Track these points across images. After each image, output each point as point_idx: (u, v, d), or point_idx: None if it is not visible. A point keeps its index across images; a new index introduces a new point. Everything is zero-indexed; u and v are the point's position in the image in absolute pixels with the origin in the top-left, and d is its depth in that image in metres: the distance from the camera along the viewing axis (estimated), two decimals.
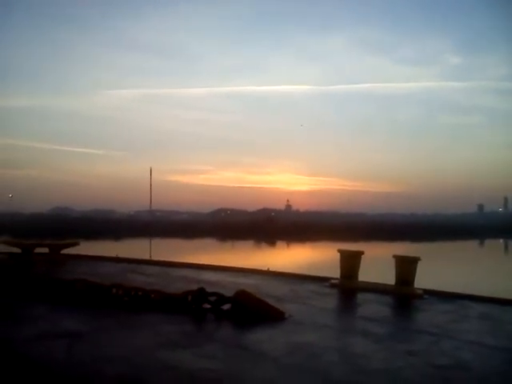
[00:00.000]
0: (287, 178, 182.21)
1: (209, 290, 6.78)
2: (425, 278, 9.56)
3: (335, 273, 9.65)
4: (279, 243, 52.82)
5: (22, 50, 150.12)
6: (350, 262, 9.41)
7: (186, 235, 51.92)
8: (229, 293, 6.71)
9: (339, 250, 9.56)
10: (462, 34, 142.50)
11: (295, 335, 5.59)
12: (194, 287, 6.91)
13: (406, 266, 9.01)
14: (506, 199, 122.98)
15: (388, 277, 9.30)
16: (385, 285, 9.28)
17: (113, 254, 13.53)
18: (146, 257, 16.37)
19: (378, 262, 14.15)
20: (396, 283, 9.02)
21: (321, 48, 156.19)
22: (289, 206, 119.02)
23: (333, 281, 9.58)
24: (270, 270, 11.10)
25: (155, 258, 15.36)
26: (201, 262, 12.38)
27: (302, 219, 75.90)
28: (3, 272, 8.35)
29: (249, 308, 6.41)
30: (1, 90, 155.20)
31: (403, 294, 8.76)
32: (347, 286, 9.20)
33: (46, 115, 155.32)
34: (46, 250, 12.64)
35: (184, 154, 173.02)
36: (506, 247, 53.76)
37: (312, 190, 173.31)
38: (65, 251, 12.91)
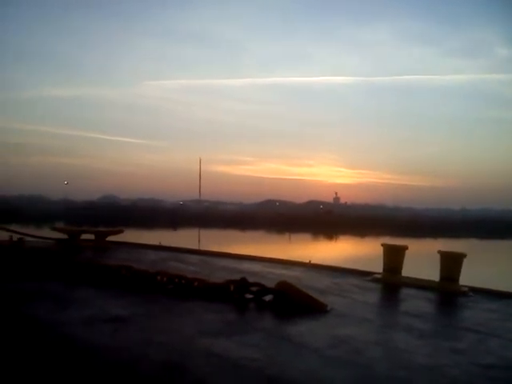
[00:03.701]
0: (329, 171, 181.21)
1: (250, 280, 6.82)
2: (471, 276, 9.34)
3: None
4: (337, 236, 52.49)
5: (70, 40, 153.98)
6: (394, 256, 9.28)
7: (238, 226, 52.11)
8: (270, 284, 6.73)
9: (383, 244, 9.44)
10: (511, 25, 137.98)
11: (337, 328, 5.56)
12: (236, 277, 6.96)
13: (451, 262, 8.82)
14: None
15: (432, 273, 9.13)
16: (429, 281, 9.11)
17: (157, 242, 13.75)
18: (193, 246, 16.54)
19: (423, 258, 13.92)
20: (440, 279, 8.85)
21: (366, 38, 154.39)
22: (337, 199, 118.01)
23: (376, 275, 9.47)
24: (312, 262, 11.06)
25: (204, 248, 15.51)
26: (243, 253, 12.45)
27: (355, 212, 75.13)
28: (50, 257, 8.59)
29: (290, 299, 6.41)
30: (52, 81, 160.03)
31: (447, 291, 8.59)
32: (390, 281, 9.09)
33: (93, 105, 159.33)
34: (91, 236, 12.97)
35: (226, 144, 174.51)
36: None
37: (356, 182, 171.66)
38: (110, 238, 13.21)
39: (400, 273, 9.26)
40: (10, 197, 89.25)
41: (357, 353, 4.64)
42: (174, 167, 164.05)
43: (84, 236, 12.88)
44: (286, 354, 4.46)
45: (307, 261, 11.14)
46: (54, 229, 14.16)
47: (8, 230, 12.95)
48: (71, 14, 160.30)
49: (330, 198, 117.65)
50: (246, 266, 10.20)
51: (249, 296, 6.69)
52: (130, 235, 15.10)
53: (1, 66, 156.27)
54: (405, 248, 9.36)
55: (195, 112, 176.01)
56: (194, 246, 17.53)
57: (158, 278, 7.25)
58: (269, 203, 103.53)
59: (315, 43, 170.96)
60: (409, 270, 9.48)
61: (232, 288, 6.75)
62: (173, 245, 13.85)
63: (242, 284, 6.71)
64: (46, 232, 15.17)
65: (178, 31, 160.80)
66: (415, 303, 7.62)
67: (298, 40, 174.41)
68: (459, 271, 8.79)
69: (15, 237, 12.03)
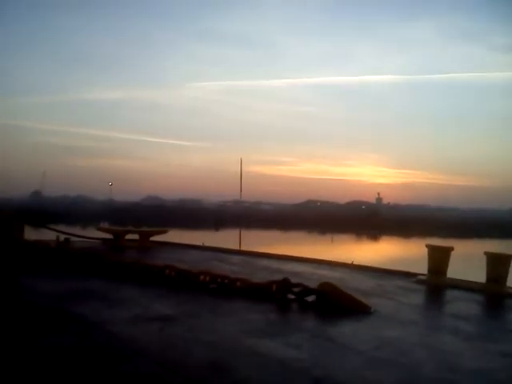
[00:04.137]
0: (371, 171, 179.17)
1: (293, 280, 6.82)
2: None
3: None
4: (380, 237, 51.85)
5: (116, 43, 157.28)
6: (439, 257, 9.11)
7: (279, 227, 52.05)
8: (312, 284, 6.71)
9: (427, 245, 9.28)
10: None
11: (381, 330, 5.50)
12: (278, 277, 6.98)
13: (498, 264, 8.59)
14: None
15: (479, 275, 8.92)
16: (475, 282, 8.90)
17: (199, 243, 13.90)
18: (234, 246, 16.65)
19: (469, 259, 13.60)
20: (487, 281, 8.63)
21: (409, 36, 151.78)
22: (379, 199, 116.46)
23: (420, 277, 9.32)
24: (355, 263, 10.96)
25: (246, 248, 15.58)
26: (285, 253, 12.44)
27: (398, 213, 73.93)
28: (96, 257, 8.80)
29: (334, 300, 6.38)
30: (98, 84, 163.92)
31: (494, 293, 8.37)
32: (435, 283, 8.92)
33: (137, 107, 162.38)
34: (136, 236, 13.22)
35: (266, 145, 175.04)
36: None
37: (398, 182, 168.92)
38: (153, 238, 13.43)
39: (445, 274, 9.08)
40: (56, 198, 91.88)
41: (402, 355, 4.59)
42: (216, 168, 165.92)
43: (128, 236, 13.13)
44: (331, 355, 4.45)
45: (350, 262, 11.05)
46: (99, 229, 14.50)
47: (55, 231, 13.33)
48: (117, 16, 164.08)
49: (372, 199, 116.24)
50: (288, 266, 10.19)
51: (291, 296, 6.70)
52: (173, 235, 15.31)
53: (52, 70, 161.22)
54: (450, 249, 9.17)
55: (236, 113, 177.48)
56: (236, 247, 17.65)
57: (201, 277, 7.34)
58: (309, 204, 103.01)
59: (356, 42, 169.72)
60: (454, 271, 9.29)
61: (274, 288, 6.76)
62: (215, 245, 13.97)
63: (285, 284, 6.72)
64: (92, 232, 15.55)
65: (219, 33, 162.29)
66: (461, 305, 7.47)
67: (338, 39, 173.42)
68: (507, 273, 8.56)
69: (62, 237, 12.39)
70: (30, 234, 12.70)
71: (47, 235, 13.12)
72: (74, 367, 3.72)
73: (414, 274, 9.61)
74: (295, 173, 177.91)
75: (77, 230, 17.42)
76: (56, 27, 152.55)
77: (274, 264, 10.44)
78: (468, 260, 13.32)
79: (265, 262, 10.70)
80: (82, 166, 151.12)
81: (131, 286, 7.27)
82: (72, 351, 4.10)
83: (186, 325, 5.18)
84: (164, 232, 13.98)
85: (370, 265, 11.04)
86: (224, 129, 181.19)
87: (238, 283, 7.02)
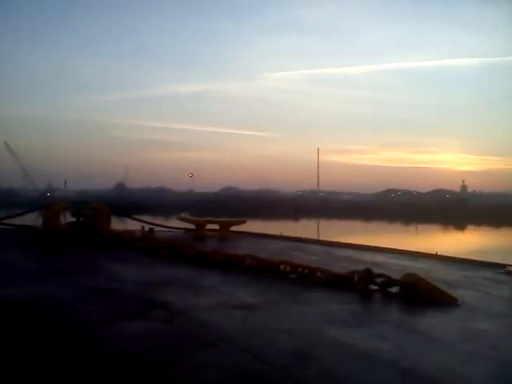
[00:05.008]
0: (454, 158, 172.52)
1: (374, 271, 6.69)
2: None
3: None
4: (469, 227, 49.97)
5: (191, 37, 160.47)
6: None
7: (359, 216, 51.41)
8: (395, 275, 6.55)
9: None
10: None
11: (470, 322, 5.28)
12: (358, 267, 6.87)
13: None
14: None
15: None
16: None
17: (277, 232, 13.97)
18: (312, 236, 16.63)
19: None
20: None
21: (491, 17, 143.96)
22: (464, 187, 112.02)
23: (510, 268, 8.87)
24: (439, 254, 10.61)
25: (325, 238, 15.52)
26: (365, 243, 12.25)
27: (485, 201, 70.68)
28: (178, 246, 9.05)
29: (419, 292, 6.19)
30: (175, 78, 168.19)
31: None
32: None
33: (214, 100, 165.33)
34: (216, 226, 13.49)
35: (343, 133, 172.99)
36: None
37: (484, 169, 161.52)
38: (233, 228, 13.65)
39: None
40: (139, 189, 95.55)
41: (494, 348, 4.38)
42: (292, 158, 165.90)
43: (209, 226, 13.43)
44: (418, 347, 4.32)
45: (434, 252, 10.70)
46: (180, 219, 14.94)
47: (139, 221, 13.88)
48: (192, 11, 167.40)
49: (456, 187, 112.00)
50: (369, 256, 10.02)
51: (373, 287, 6.58)
52: (252, 225, 15.51)
53: (129, 65, 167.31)
54: None
55: (312, 101, 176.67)
56: (314, 236, 17.58)
57: (282, 267, 7.36)
58: (390, 193, 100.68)
59: (435, 25, 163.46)
60: None
61: (356, 279, 6.67)
62: (293, 235, 13.99)
63: (367, 275, 6.60)
64: (173, 222, 16.05)
65: (295, 22, 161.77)
66: None
67: (416, 23, 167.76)
68: None
69: (146, 227, 12.87)
70: (116, 224, 13.28)
71: (132, 225, 13.68)
72: (162, 350, 3.84)
73: (503, 265, 9.16)
74: (373, 161, 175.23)
75: (159, 220, 18.03)
76: (133, 25, 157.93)
77: (354, 254, 10.30)
78: None
79: (344, 252, 10.58)
80: (162, 159, 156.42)
81: (213, 275, 7.41)
82: (158, 336, 4.24)
83: (269, 313, 5.22)
84: (243, 222, 14.19)
85: (455, 255, 10.65)
86: (300, 118, 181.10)
87: (319, 273, 6.98)
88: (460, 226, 48.72)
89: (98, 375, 3.30)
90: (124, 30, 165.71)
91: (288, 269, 7.30)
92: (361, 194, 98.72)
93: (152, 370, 3.41)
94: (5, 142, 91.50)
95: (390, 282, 6.49)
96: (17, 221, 13.75)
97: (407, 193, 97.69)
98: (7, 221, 13.53)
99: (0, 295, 5.48)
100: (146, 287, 6.29)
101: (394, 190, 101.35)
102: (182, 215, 22.32)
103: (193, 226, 13.59)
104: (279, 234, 13.86)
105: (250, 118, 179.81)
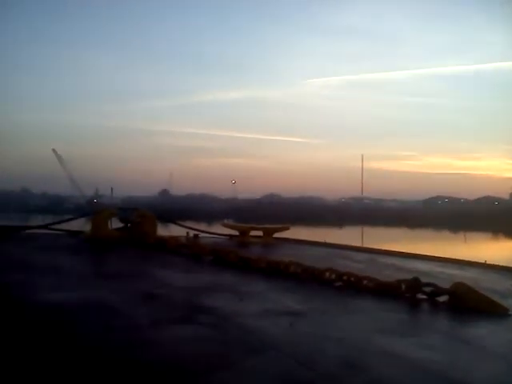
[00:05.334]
0: (501, 163, 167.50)
1: (422, 279, 6.57)
2: None
3: None
4: None
5: (233, 43, 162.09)
6: None
7: (404, 224, 50.40)
8: (442, 284, 6.42)
9: None
10: None
11: None
12: (404, 276, 6.77)
13: None
14: None
15: None
16: None
17: (321, 240, 13.89)
18: (357, 244, 16.45)
19: None
20: None
21: None
22: None
23: None
24: (488, 262, 10.32)
25: (369, 245, 15.33)
26: (411, 251, 12.04)
27: None
28: (223, 253, 9.12)
29: (468, 301, 6.05)
30: (217, 84, 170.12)
31: None
32: None
33: (256, 106, 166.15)
34: (259, 233, 13.53)
35: (387, 139, 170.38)
36: None
37: None
38: (276, 235, 13.66)
39: None
40: (183, 196, 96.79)
41: None
42: (335, 164, 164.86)
43: (252, 232, 13.49)
44: (468, 358, 4.23)
45: (483, 261, 10.43)
46: (224, 225, 15.07)
47: (184, 227, 14.05)
48: (232, 16, 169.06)
49: (505, 194, 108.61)
50: (415, 264, 9.86)
51: (421, 296, 6.46)
52: (295, 232, 15.49)
53: (170, 72, 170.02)
54: None
55: (356, 107, 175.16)
56: (358, 244, 17.40)
57: (327, 274, 7.32)
58: (436, 200, 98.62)
59: (481, 28, 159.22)
60: None
61: (404, 288, 6.57)
62: (337, 242, 13.89)
63: (415, 284, 6.50)
64: (217, 228, 16.19)
65: (337, 27, 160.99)
66: None
67: (461, 26, 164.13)
68: None
69: (191, 233, 13.03)
70: (161, 230, 13.50)
71: (177, 231, 13.87)
72: (209, 355, 3.88)
73: None
74: (419, 168, 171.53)
75: (202, 227, 18.21)
76: (180, 31, 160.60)
77: (401, 262, 10.14)
78: None
79: (391, 260, 10.43)
80: (205, 166, 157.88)
81: (259, 281, 7.44)
82: (206, 341, 4.28)
83: (315, 321, 5.20)
84: (286, 229, 14.19)
85: (505, 264, 10.34)
86: (344, 124, 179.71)
87: (365, 281, 6.90)
88: (510, 234, 47.26)
89: (148, 378, 3.36)
90: (165, 36, 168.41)
91: (333, 276, 7.26)
92: (406, 201, 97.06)
93: (200, 375, 3.46)
94: (53, 149, 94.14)
95: (439, 291, 6.36)
96: (66, 226, 14.15)
97: (454, 200, 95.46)
98: (57, 226, 13.96)
99: (53, 299, 5.66)
100: (193, 292, 6.37)
101: (441, 197, 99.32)
102: (225, 222, 22.49)
103: (237, 233, 13.69)
104: (323, 241, 13.79)
105: (292, 125, 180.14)
